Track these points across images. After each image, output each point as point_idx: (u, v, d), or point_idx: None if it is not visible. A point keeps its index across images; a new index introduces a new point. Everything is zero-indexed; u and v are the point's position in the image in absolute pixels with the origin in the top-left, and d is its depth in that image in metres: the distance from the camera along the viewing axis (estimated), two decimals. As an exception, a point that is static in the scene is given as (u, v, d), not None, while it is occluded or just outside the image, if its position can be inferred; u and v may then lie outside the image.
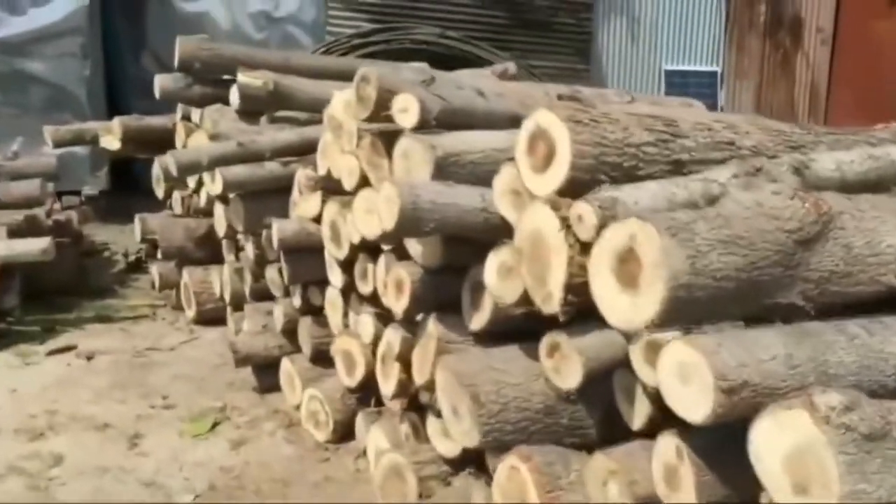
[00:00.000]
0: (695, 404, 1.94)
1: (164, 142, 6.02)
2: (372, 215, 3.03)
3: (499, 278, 2.61)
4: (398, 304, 3.00)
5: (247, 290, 5.16)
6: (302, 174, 4.25)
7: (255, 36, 9.90)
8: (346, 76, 5.16)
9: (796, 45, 10.81)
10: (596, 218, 2.22)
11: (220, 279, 5.52)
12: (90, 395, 4.67)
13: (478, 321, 2.87)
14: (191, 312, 5.76)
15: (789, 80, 10.88)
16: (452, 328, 2.97)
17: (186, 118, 5.78)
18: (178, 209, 6.54)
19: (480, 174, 2.87)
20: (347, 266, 3.92)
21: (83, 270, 6.74)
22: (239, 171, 4.20)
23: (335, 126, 4.01)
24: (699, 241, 2.00)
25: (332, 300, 4.24)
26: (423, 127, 2.91)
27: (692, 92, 10.73)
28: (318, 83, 4.72)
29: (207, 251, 5.78)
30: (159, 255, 6.71)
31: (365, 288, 3.76)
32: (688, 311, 1.98)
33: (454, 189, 2.71)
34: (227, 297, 5.36)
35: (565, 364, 2.46)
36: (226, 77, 5.38)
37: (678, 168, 2.59)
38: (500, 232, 2.74)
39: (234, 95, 5.03)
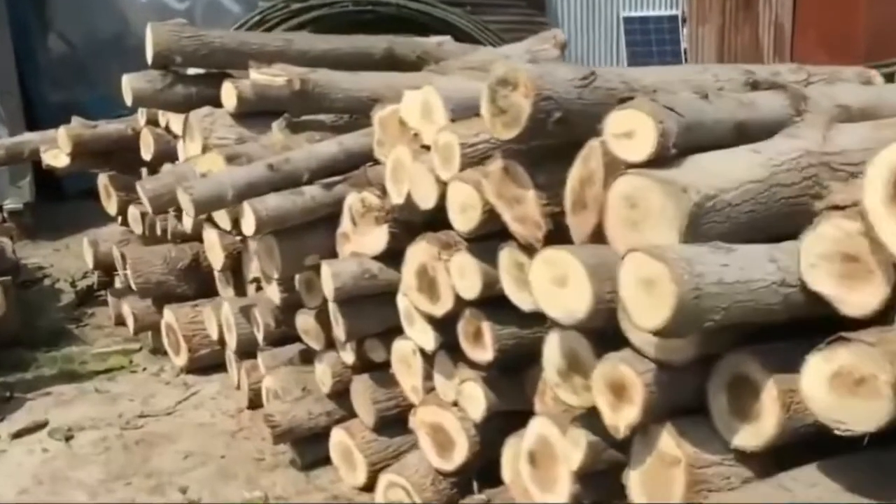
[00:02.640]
0: None
1: (122, 153, 4.84)
2: (567, 289, 2.02)
3: (834, 393, 1.65)
4: (621, 417, 2.01)
5: (260, 337, 4.08)
6: (356, 201, 3.19)
7: (176, 7, 8.67)
8: (365, 61, 4.11)
9: (757, -19, 10.06)
10: None
11: (216, 319, 4.41)
12: (85, 494, 3.58)
13: (751, 436, 1.91)
14: (180, 360, 4.64)
15: (752, 20, 10.13)
16: (697, 441, 2.00)
17: (152, 122, 4.60)
18: (136, 227, 5.36)
19: (740, 222, 1.90)
20: (442, 322, 2.92)
21: (26, 308, 5.52)
22: (275, 203, 3.11)
23: (408, 138, 2.97)
24: None
25: (406, 359, 3.23)
26: (658, 158, 1.89)
27: (653, 38, 9.89)
28: (352, 76, 3.63)
29: (193, 284, 4.65)
30: (117, 284, 5.58)
31: (481, 355, 2.77)
32: None
33: (737, 256, 1.73)
34: (231, 343, 4.26)
35: None
36: (201, 71, 4.22)
37: None
38: (799, 311, 1.78)
39: (227, 96, 3.89)
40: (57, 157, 4.75)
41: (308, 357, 4.00)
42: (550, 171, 2.39)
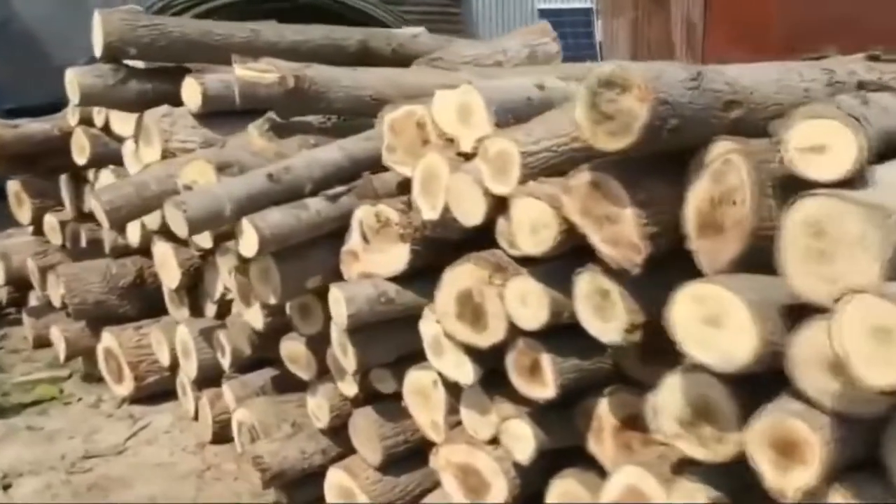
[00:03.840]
0: None
1: (46, 155, 4.28)
2: (723, 330, 1.71)
3: None
4: (790, 480, 1.70)
5: (227, 363, 3.64)
6: (369, 215, 2.80)
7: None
8: (339, 54, 3.71)
9: (671, -23, 10.00)
10: None
11: (167, 343, 3.93)
12: (37, 556, 3.08)
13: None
14: (123, 389, 4.12)
15: (665, 14, 10.07)
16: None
17: (85, 121, 4.06)
18: (54, 238, 4.82)
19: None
20: (483, 353, 2.57)
21: (-74, 332, 4.89)
22: (278, 219, 2.68)
23: (439, 145, 2.62)
24: None
25: (424, 391, 2.88)
26: (853, 178, 1.60)
27: (569, 31, 9.73)
28: (351, 73, 3.20)
29: (136, 304, 4.15)
30: (32, 301, 5.00)
31: (539, 391, 2.44)
32: None
33: (973, 295, 1.45)
34: (190, 370, 3.79)
35: None
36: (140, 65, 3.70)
37: None
38: None
39: (191, 93, 3.42)
40: (-30, 161, 4.16)
41: (282, 385, 3.61)
42: (646, 186, 2.08)
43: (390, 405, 3.05)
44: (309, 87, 2.94)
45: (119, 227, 3.31)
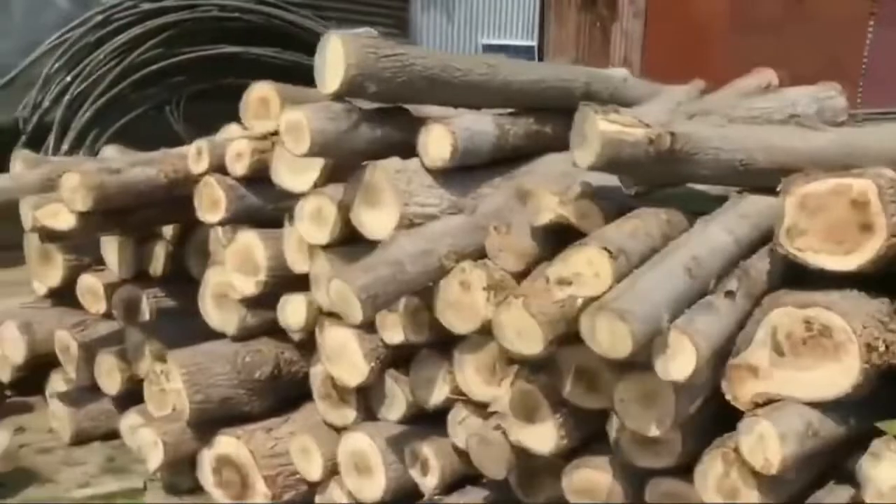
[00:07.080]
0: None
1: (145, 208, 3.21)
2: None
3: None
4: None
5: (432, 483, 2.78)
6: (796, 322, 2.05)
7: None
8: (566, 98, 2.94)
9: (612, 19, 9.77)
10: None
11: (318, 452, 2.99)
12: None
13: None
14: (248, 508, 3.11)
15: (605, 53, 9.80)
16: None
17: (219, 170, 3.03)
18: (93, 305, 3.77)
19: None
20: None
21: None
22: (706, 328, 1.86)
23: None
24: None
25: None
26: None
27: (512, 68, 9.20)
28: (720, 131, 2.36)
29: (268, 400, 3.17)
30: (56, 383, 3.85)
31: None
32: None
33: None
34: (370, 492, 2.87)
35: None
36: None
37: None
38: None
39: (439, 144, 2.50)
40: (59, 217, 2.99)
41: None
42: None
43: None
44: (682, 147, 2.16)
45: (371, 319, 2.37)
